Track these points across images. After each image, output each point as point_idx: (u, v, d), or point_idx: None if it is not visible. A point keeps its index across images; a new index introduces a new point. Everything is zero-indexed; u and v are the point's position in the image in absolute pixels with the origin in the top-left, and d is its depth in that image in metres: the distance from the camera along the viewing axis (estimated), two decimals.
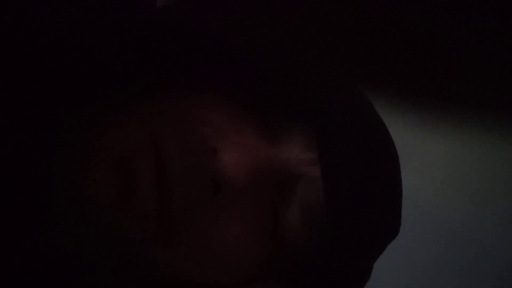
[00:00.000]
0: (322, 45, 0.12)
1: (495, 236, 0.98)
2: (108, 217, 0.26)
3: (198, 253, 0.27)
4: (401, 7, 0.10)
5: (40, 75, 0.28)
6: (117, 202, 0.26)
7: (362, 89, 0.32)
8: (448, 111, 0.12)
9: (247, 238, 0.28)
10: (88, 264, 0.27)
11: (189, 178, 0.26)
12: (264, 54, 0.29)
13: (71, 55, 0.29)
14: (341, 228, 0.30)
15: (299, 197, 0.29)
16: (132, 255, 0.27)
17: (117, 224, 0.26)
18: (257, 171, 0.27)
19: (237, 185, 0.27)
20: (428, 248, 0.99)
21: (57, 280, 0.27)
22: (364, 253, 0.32)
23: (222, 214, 0.27)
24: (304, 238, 0.30)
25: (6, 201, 0.27)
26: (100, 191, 0.26)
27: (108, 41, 0.30)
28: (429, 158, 0.94)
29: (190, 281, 0.28)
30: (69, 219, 0.27)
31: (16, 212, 0.27)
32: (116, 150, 0.27)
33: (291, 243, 0.29)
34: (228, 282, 0.29)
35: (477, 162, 0.94)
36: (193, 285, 0.28)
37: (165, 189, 0.26)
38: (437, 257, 0.99)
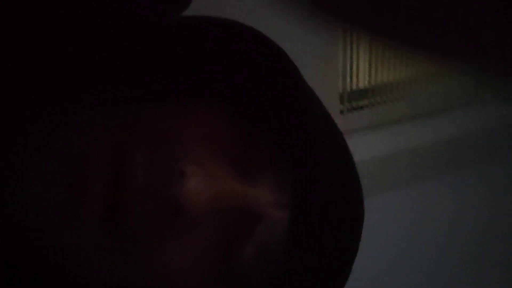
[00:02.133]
0: None
1: None
2: (54, 217, 0.25)
3: (143, 270, 0.27)
4: None
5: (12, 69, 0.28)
6: (65, 203, 0.25)
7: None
8: None
9: (194, 268, 0.28)
10: (26, 260, 0.27)
11: (149, 196, 0.26)
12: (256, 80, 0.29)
13: (44, 52, 0.28)
14: (293, 277, 0.30)
15: (258, 238, 0.29)
16: (72, 258, 0.26)
17: (61, 225, 0.25)
18: (220, 203, 0.27)
19: (196, 214, 0.26)
20: None
21: None
22: None
23: (174, 238, 0.27)
24: (255, 279, 0.29)
25: None
26: (50, 189, 0.25)
27: (87, 40, 0.29)
28: None
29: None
30: (15, 212, 0.26)
31: None
32: (73, 153, 0.26)
33: (240, 283, 0.29)
34: None
35: None
36: None
37: (120, 201, 0.25)
38: None
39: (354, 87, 1.33)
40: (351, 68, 1.31)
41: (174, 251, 0.27)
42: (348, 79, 1.31)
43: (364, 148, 1.22)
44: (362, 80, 1.35)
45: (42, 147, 0.27)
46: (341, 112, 1.29)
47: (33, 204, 0.26)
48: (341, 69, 1.29)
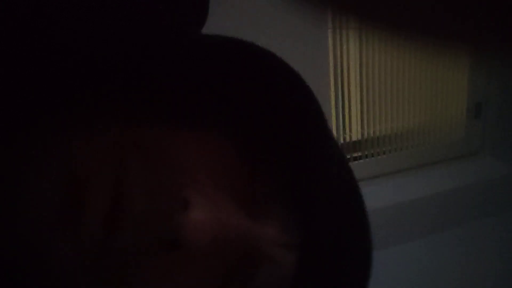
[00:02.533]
0: None
1: None
2: (47, 237, 0.24)
3: None
4: None
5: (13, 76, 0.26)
6: (59, 224, 0.23)
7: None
8: None
9: None
10: (13, 272, 0.25)
11: (147, 224, 0.24)
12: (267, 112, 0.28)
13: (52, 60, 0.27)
14: None
15: (260, 280, 0.27)
16: (61, 281, 0.25)
17: (54, 246, 0.24)
18: (223, 239, 0.25)
19: (196, 248, 0.24)
20: None
21: None
22: None
23: (169, 273, 0.25)
24: None
25: None
26: (45, 208, 0.24)
27: (99, 54, 0.28)
28: None
29: None
30: (6, 228, 0.25)
31: None
32: (72, 170, 0.24)
33: None
34: None
35: None
36: None
37: (117, 227, 0.23)
38: None
39: (348, 139, 1.34)
40: (343, 121, 1.32)
41: (166, 286, 0.25)
42: (341, 131, 1.32)
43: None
44: (354, 132, 1.36)
45: (41, 164, 0.25)
46: None
47: (26, 221, 0.24)
48: (334, 122, 1.30)
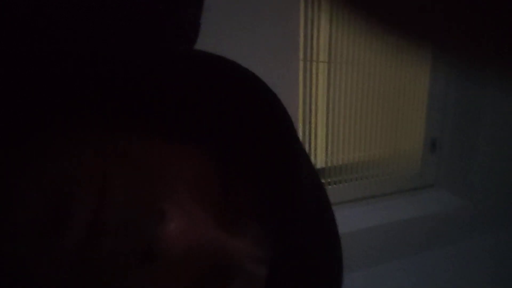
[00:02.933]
0: None
1: None
2: (30, 243, 0.24)
3: None
4: None
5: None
6: (42, 231, 0.24)
7: None
8: None
9: None
10: None
11: (125, 234, 0.24)
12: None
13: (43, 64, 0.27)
14: None
15: None
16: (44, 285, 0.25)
17: (36, 252, 0.24)
18: (198, 251, 0.25)
19: (171, 259, 0.24)
20: None
21: None
22: None
23: (143, 285, 0.25)
24: None
25: None
26: (29, 214, 0.24)
27: (89, 60, 0.28)
28: None
29: None
30: None
31: None
32: (58, 178, 0.24)
33: None
34: None
35: None
36: None
37: (97, 237, 0.24)
38: None
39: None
40: (309, 148, 1.37)
41: None
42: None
43: None
44: (319, 160, 1.41)
45: (27, 169, 0.25)
46: None
47: (11, 226, 0.24)
48: None
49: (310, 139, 1.37)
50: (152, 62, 0.30)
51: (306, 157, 0.33)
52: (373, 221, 1.46)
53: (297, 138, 0.32)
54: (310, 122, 1.36)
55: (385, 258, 1.47)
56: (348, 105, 1.42)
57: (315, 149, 1.39)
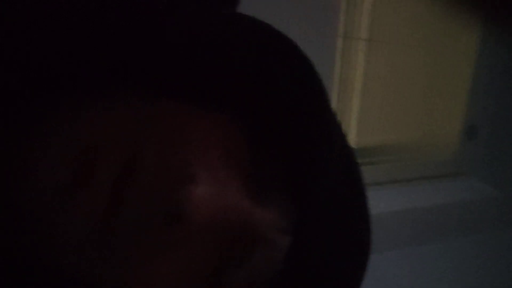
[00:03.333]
0: None
1: None
2: (53, 201, 0.24)
3: (127, 275, 0.25)
4: None
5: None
6: (67, 189, 0.24)
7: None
8: None
9: (180, 283, 0.26)
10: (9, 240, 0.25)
11: (153, 197, 0.24)
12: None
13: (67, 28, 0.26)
14: None
15: (254, 262, 0.27)
16: (60, 246, 0.25)
17: (59, 210, 0.24)
18: (224, 217, 0.25)
19: (197, 224, 0.24)
20: None
21: None
22: None
23: (167, 248, 0.25)
24: None
25: None
26: (55, 172, 0.24)
27: (117, 25, 0.27)
28: None
29: None
30: (14, 188, 0.25)
31: None
32: (85, 139, 0.24)
33: None
34: None
35: None
36: None
37: (124, 197, 0.24)
38: None
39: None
40: None
41: (163, 261, 0.25)
42: None
43: None
44: (351, 141, 1.38)
45: (55, 129, 0.25)
46: None
47: (35, 183, 0.24)
48: None
49: (343, 118, 1.35)
50: (192, 23, 0.28)
51: (339, 130, 0.32)
52: (402, 205, 1.44)
53: (331, 109, 0.31)
54: (344, 101, 1.33)
55: (411, 243, 1.46)
56: (385, 85, 1.38)
57: (348, 129, 1.36)
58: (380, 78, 1.36)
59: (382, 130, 1.42)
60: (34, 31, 0.26)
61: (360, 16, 1.28)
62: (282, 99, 0.28)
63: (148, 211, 0.24)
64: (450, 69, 1.46)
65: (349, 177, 0.32)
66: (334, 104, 1.32)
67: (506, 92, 1.49)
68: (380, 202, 1.43)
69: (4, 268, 0.25)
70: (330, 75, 1.28)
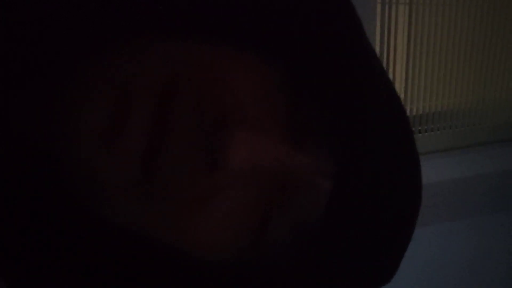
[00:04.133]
0: None
1: None
2: (90, 146, 0.23)
3: (169, 223, 0.25)
4: None
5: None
6: (104, 133, 0.23)
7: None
8: None
9: (223, 232, 0.25)
10: (50, 188, 0.25)
11: (191, 141, 0.23)
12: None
13: None
14: (327, 260, 0.28)
15: (298, 205, 0.26)
16: (100, 194, 0.24)
17: (97, 156, 0.23)
18: (263, 163, 0.24)
19: (238, 171, 0.23)
20: None
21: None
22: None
23: (208, 195, 0.24)
24: (284, 259, 0.27)
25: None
26: (91, 114, 0.23)
27: None
28: None
29: (158, 241, 0.26)
30: (50, 133, 0.25)
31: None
32: (121, 79, 0.23)
33: (272, 250, 0.26)
34: (199, 257, 0.27)
35: None
36: (160, 246, 0.26)
37: (162, 142, 0.23)
38: None
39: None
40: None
41: (208, 208, 0.25)
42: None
43: None
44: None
45: (93, 69, 0.24)
46: None
47: (75, 131, 0.24)
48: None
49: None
50: None
51: (384, 75, 0.30)
52: (460, 172, 1.38)
53: (373, 52, 0.29)
54: (387, 67, 1.29)
55: (473, 212, 1.40)
56: (431, 49, 1.32)
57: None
58: (425, 43, 1.31)
59: (431, 97, 1.37)
60: None
61: None
62: (321, 39, 0.27)
63: (187, 155, 0.23)
64: (503, 26, 1.38)
65: (394, 119, 0.30)
66: None
67: None
68: (437, 170, 1.38)
69: (51, 222, 0.25)
70: (372, 42, 1.25)
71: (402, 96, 1.34)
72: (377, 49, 1.28)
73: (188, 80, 0.24)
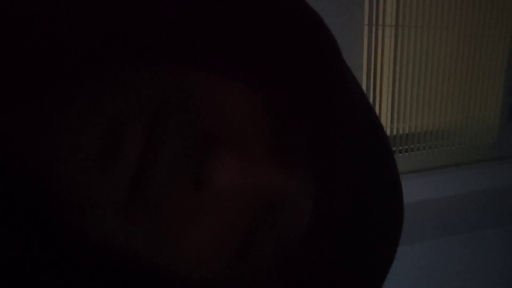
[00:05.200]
0: None
1: None
2: (83, 169, 0.25)
3: (158, 241, 0.26)
4: None
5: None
6: (96, 157, 0.24)
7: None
8: None
9: (210, 248, 0.26)
10: (41, 208, 0.27)
11: (178, 164, 0.25)
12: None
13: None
14: (310, 276, 0.29)
15: (281, 225, 0.27)
16: (91, 215, 0.26)
17: (88, 178, 0.25)
18: (248, 183, 0.25)
19: (222, 189, 0.25)
20: None
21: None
22: None
23: (194, 214, 0.25)
24: (268, 273, 0.28)
25: None
26: (84, 140, 0.24)
27: None
28: None
29: (145, 261, 0.27)
30: (44, 158, 0.26)
31: None
32: (112, 108, 0.25)
33: (256, 268, 0.27)
34: (183, 275, 0.28)
35: None
36: (147, 265, 0.27)
37: (151, 165, 0.24)
38: None
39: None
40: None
41: (194, 227, 0.26)
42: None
43: None
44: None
45: (84, 99, 0.26)
46: None
47: (67, 151, 0.25)
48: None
49: (374, 106, 1.34)
50: None
51: (360, 92, 0.31)
52: (442, 192, 1.41)
53: (348, 71, 0.30)
54: (374, 88, 1.32)
55: (453, 230, 1.42)
56: (417, 70, 1.36)
57: (379, 117, 1.35)
58: (411, 63, 1.34)
59: (417, 116, 1.40)
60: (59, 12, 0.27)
61: (385, 2, 1.27)
62: (297, 63, 0.28)
63: (173, 177, 0.25)
64: (485, 48, 1.42)
65: (372, 137, 0.31)
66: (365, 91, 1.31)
67: None
68: (420, 189, 1.40)
69: (42, 244, 0.26)
70: (359, 64, 1.28)
71: (388, 115, 1.37)
72: (364, 70, 1.30)
73: (176, 106, 0.25)
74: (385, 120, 1.37)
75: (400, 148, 1.41)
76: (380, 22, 1.29)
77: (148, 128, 0.24)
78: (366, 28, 1.27)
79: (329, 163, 0.29)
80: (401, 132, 1.39)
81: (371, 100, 1.33)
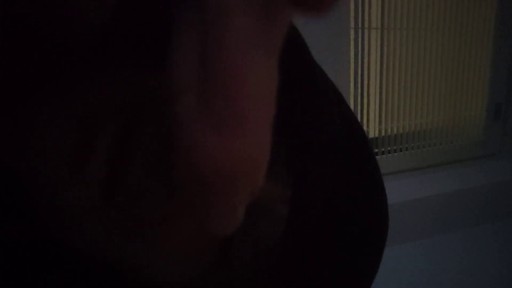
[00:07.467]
0: None
1: None
2: (55, 172, 0.25)
3: (136, 246, 0.26)
4: None
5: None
6: (69, 160, 0.24)
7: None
8: None
9: (189, 253, 0.27)
10: (17, 212, 0.27)
11: (152, 167, 0.25)
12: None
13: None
14: (286, 282, 0.30)
15: (259, 230, 0.29)
16: (67, 218, 0.26)
17: (62, 181, 0.25)
18: None
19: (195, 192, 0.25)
20: None
21: None
22: None
23: (171, 217, 0.26)
24: (250, 272, 0.29)
25: None
26: (56, 143, 0.25)
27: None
28: None
29: (122, 266, 0.27)
30: (17, 160, 0.26)
31: None
32: (84, 111, 0.25)
33: (235, 272, 0.29)
34: (161, 280, 0.28)
35: None
36: (124, 271, 0.28)
37: (123, 168, 0.25)
38: None
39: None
40: (361, 117, 1.35)
41: (165, 233, 0.26)
42: None
43: None
44: (372, 129, 1.39)
45: (57, 101, 0.26)
46: None
47: (37, 154, 0.25)
48: None
49: (362, 107, 1.36)
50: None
51: (335, 93, 0.32)
52: (431, 190, 1.43)
53: (324, 78, 0.31)
54: (362, 91, 1.34)
55: (443, 229, 1.44)
56: (403, 71, 1.38)
57: (368, 118, 1.37)
58: (397, 65, 1.36)
59: (404, 117, 1.42)
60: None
61: (370, 5, 1.29)
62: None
63: (146, 181, 0.25)
64: (469, 49, 1.45)
65: (353, 145, 0.32)
66: (351, 94, 1.33)
67: None
68: (408, 189, 1.42)
69: (21, 253, 0.27)
70: (345, 66, 1.29)
71: (377, 117, 1.38)
72: (352, 72, 1.32)
73: (152, 108, 0.26)
74: (373, 122, 1.39)
75: (389, 148, 1.43)
76: (366, 25, 1.31)
77: (122, 130, 0.24)
78: (352, 31, 1.29)
79: (303, 168, 0.27)
80: (389, 133, 1.41)
81: (359, 102, 1.35)
